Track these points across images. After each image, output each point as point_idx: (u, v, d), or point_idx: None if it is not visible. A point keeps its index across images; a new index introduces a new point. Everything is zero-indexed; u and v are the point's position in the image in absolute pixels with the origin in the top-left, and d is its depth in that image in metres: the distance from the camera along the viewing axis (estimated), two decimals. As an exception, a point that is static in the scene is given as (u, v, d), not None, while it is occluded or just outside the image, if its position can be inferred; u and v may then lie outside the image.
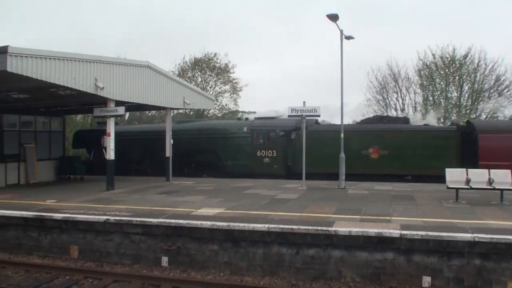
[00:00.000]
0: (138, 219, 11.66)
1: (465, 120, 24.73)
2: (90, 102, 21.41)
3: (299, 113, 18.57)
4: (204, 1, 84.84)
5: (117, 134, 18.82)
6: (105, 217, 11.97)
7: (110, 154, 18.21)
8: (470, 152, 21.76)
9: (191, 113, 44.66)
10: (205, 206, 13.61)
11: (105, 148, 18.42)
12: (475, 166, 20.51)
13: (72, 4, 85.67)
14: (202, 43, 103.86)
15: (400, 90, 42.24)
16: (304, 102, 18.58)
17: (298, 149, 23.18)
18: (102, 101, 18.81)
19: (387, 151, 22.76)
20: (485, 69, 38.58)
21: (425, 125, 24.91)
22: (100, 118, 23.37)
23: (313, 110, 18.47)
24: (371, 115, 40.67)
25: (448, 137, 22.59)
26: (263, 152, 25.12)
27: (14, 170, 22.13)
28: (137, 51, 75.61)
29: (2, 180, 21.27)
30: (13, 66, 13.47)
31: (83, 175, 24.11)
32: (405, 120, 26.08)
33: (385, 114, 29.53)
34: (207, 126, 27.42)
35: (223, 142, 25.78)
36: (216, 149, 25.90)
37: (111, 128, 18.21)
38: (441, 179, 20.50)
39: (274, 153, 24.82)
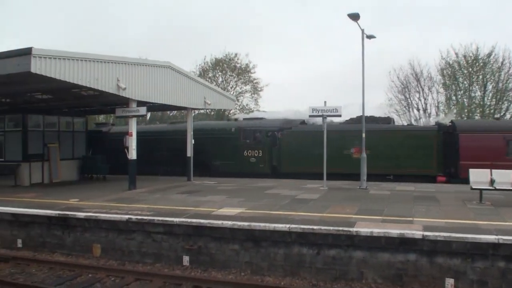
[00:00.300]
0: (160, 218, 11.75)
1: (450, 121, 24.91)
2: (112, 102, 21.68)
3: (320, 113, 18.47)
4: (225, 2, 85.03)
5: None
6: (127, 216, 12.09)
7: (132, 154, 18.36)
8: (452, 152, 22.13)
9: (212, 113, 44.84)
10: (226, 206, 13.65)
11: (127, 148, 18.56)
12: (456, 166, 21.56)
13: (89, 6, 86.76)
14: (223, 43, 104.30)
15: (422, 90, 41.92)
16: (325, 102, 18.50)
17: (283, 149, 24.98)
18: (124, 102, 19.00)
19: (369, 151, 22.47)
20: (510, 68, 38.00)
21: (408, 125, 25.10)
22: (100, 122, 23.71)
23: (334, 110, 18.37)
24: (393, 114, 40.51)
25: (429, 136, 22.86)
26: (249, 152, 25.74)
27: (38, 170, 22.49)
28: (158, 52, 76.20)
29: (26, 179, 21.63)
30: (37, 67, 13.70)
31: (106, 175, 24.37)
32: (387, 120, 26.26)
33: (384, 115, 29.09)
34: (197, 126, 27.61)
35: (212, 142, 26.16)
36: (205, 148, 26.11)
37: (133, 128, 18.37)
38: (422, 178, 20.97)
39: (260, 153, 25.32)
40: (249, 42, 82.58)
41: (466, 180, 17.95)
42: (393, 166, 22.72)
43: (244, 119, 29.27)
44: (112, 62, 16.99)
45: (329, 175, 19.36)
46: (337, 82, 72.41)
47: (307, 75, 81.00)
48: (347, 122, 26.22)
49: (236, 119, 30.91)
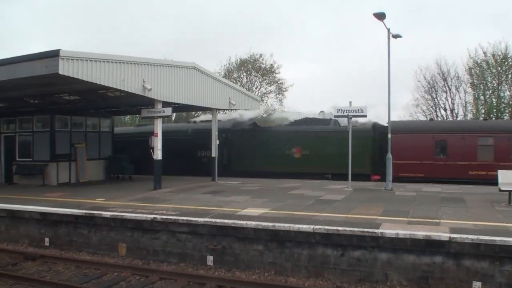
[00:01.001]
0: (185, 218, 11.81)
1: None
2: (138, 103, 21.91)
3: (345, 113, 18.38)
4: (248, 2, 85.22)
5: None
6: (152, 216, 12.19)
7: (158, 154, 18.53)
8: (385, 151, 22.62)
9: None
10: (250, 206, 13.66)
11: (153, 148, 18.76)
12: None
13: (112, 7, 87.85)
14: (247, 43, 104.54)
15: (450, 89, 41.19)
16: (350, 102, 18.39)
17: (232, 150, 27.12)
18: (150, 102, 19.20)
19: (308, 151, 24.61)
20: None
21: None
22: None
23: (360, 110, 18.24)
24: (420, 115, 40.04)
25: (363, 137, 24.04)
26: (202, 153, 27.40)
27: (65, 169, 22.86)
28: (183, 52, 76.75)
29: (54, 179, 22.01)
30: (65, 69, 13.93)
31: (132, 175, 24.61)
32: (326, 122, 26.81)
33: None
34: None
35: (172, 143, 26.21)
36: (166, 149, 26.37)
37: (158, 128, 18.53)
38: (358, 177, 21.44)
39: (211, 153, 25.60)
40: (274, 42, 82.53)
41: (398, 179, 21.01)
42: (331, 165, 24.02)
43: (200, 121, 31.28)
44: (137, 64, 17.18)
45: (270, 174, 20.79)
46: (363, 82, 71.83)
47: (332, 75, 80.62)
48: (292, 124, 27.90)
49: (195, 122, 32.79)
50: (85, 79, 14.80)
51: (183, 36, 79.58)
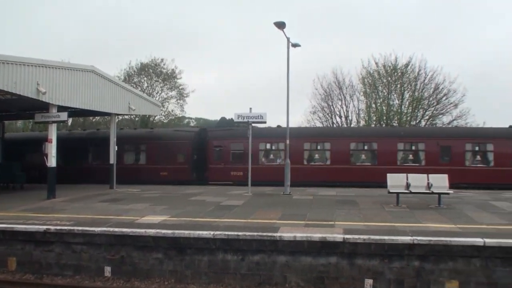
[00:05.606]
0: (80, 228, 11.35)
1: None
2: (32, 107, 20.69)
3: (245, 120, 18.62)
4: (156, 11, 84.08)
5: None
6: (45, 227, 11.56)
7: (52, 161, 17.65)
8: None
9: (137, 119, 44.02)
10: (149, 214, 13.43)
11: (46, 155, 17.83)
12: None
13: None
14: (151, 49, 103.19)
15: (344, 98, 43.08)
16: (250, 109, 18.68)
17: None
18: (45, 107, 18.22)
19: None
20: (425, 77, 40.05)
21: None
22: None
23: (259, 117, 18.58)
24: (316, 122, 41.66)
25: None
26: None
27: None
28: (85, 57, 74.11)
29: None
30: None
31: (24, 183, 23.18)
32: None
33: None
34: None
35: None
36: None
37: (52, 134, 17.67)
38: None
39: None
40: (180, 50, 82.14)
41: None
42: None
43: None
44: (31, 65, 16.23)
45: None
46: (263, 90, 73.45)
47: (234, 83, 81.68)
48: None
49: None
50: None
51: (88, 43, 76.64)
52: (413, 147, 24.52)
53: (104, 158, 24.34)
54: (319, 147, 21.96)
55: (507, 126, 24.77)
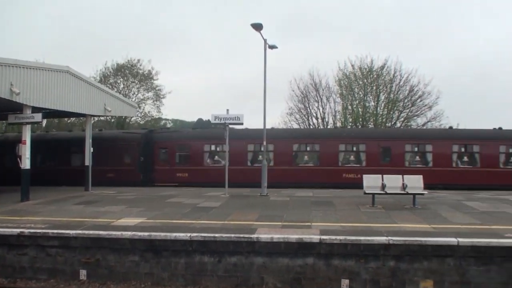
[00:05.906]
0: (55, 231, 11.18)
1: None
2: (5, 108, 20.27)
3: (222, 121, 18.58)
4: (135, 11, 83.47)
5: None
6: (18, 230, 11.35)
7: (26, 163, 17.33)
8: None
9: (113, 120, 43.57)
10: (125, 216, 13.30)
11: (20, 157, 17.51)
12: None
13: None
14: (127, 50, 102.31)
15: (321, 99, 43.32)
16: (227, 110, 18.64)
17: None
18: (18, 107, 17.87)
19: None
20: (400, 80, 40.58)
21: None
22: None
23: (236, 118, 18.56)
24: (293, 123, 41.78)
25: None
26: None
27: None
28: (61, 57, 73.06)
29: None
30: None
31: None
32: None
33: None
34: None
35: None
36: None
37: (26, 136, 17.36)
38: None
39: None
40: (156, 51, 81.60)
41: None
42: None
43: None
44: (5, 65, 15.89)
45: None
46: (242, 91, 73.55)
47: (214, 84, 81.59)
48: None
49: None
50: None
51: (62, 43, 75.66)
52: (354, 148, 24.77)
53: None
54: (262, 148, 21.92)
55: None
